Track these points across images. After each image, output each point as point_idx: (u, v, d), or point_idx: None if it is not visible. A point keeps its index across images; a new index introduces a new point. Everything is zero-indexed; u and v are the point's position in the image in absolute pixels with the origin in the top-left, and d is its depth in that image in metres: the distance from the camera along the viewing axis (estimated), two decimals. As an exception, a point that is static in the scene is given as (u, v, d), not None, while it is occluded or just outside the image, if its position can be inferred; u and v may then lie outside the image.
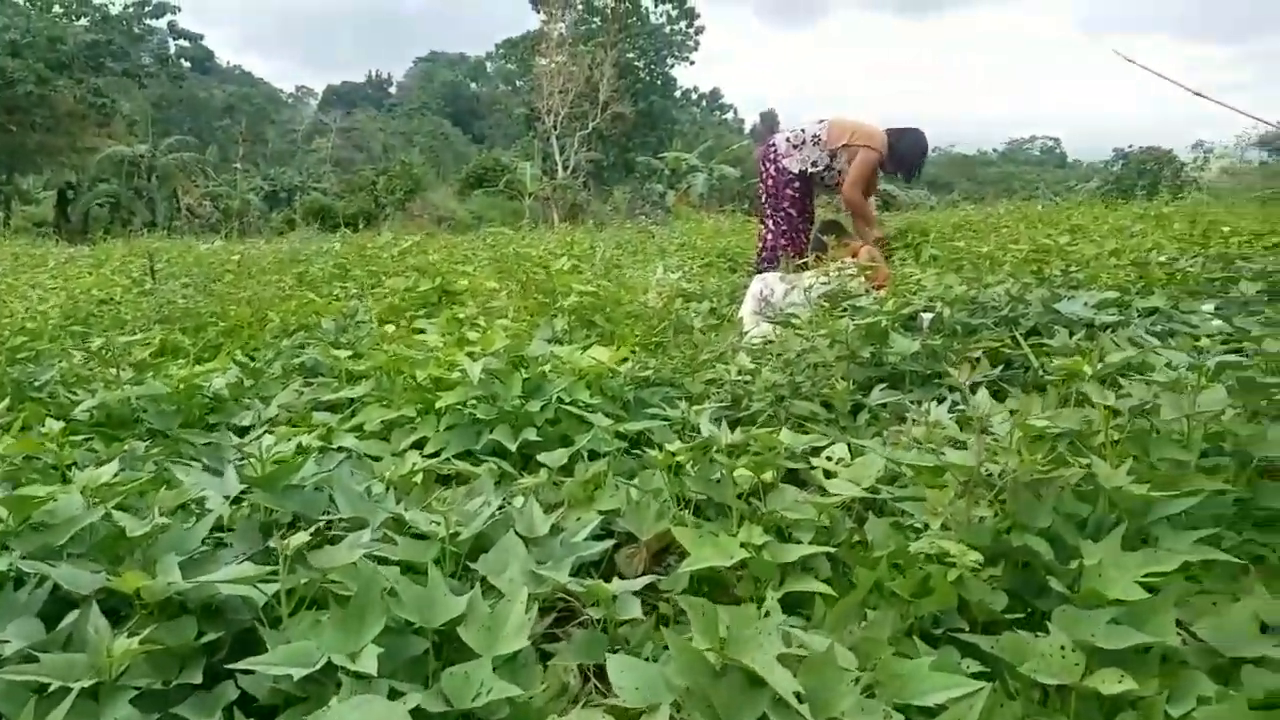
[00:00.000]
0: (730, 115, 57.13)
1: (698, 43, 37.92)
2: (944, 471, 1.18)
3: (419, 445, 1.78)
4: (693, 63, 35.71)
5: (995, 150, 69.29)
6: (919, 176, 5.01)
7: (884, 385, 1.85)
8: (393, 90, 64.68)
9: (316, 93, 66.02)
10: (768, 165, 4.86)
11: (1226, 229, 4.56)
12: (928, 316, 2.18)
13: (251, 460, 1.47)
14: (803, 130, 4.69)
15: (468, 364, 1.76)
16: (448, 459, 1.65)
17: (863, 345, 1.99)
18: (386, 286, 3.75)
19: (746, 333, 3.31)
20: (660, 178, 33.29)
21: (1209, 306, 2.17)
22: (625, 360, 1.85)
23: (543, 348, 2.37)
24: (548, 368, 1.84)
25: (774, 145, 4.84)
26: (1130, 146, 32.27)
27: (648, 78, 34.89)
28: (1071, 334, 2.26)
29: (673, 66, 35.79)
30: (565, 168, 30.77)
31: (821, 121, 4.69)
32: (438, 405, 1.74)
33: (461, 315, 2.70)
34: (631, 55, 34.72)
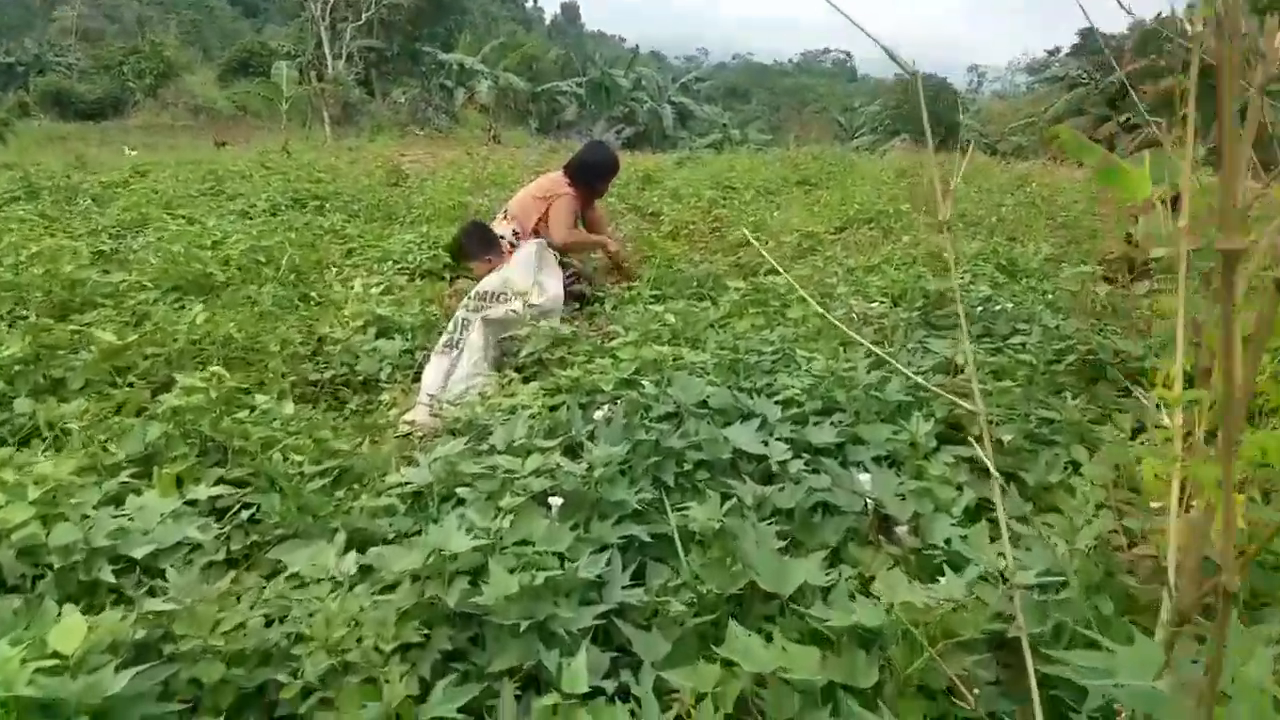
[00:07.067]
0: (530, 3, 54.14)
1: (489, -76, 35.05)
2: None
3: None
4: (484, -54, 33.04)
5: (791, 60, 71.13)
6: (606, 192, 5.09)
7: (459, 673, 1.49)
8: (152, -46, 55.50)
9: (60, -47, 55.44)
10: None
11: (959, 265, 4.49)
12: (556, 501, 1.84)
13: None
14: (502, 238, 4.34)
15: None
16: None
17: (451, 586, 1.62)
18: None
19: (415, 430, 2.86)
20: (449, 73, 31.07)
21: (865, 477, 1.99)
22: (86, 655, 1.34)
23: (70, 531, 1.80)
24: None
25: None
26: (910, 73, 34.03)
27: (432, -41, 31.99)
28: (728, 497, 2.02)
29: (461, -52, 33.05)
30: (340, 57, 27.86)
31: (506, 220, 4.47)
32: None
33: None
34: (414, -67, 31.53)
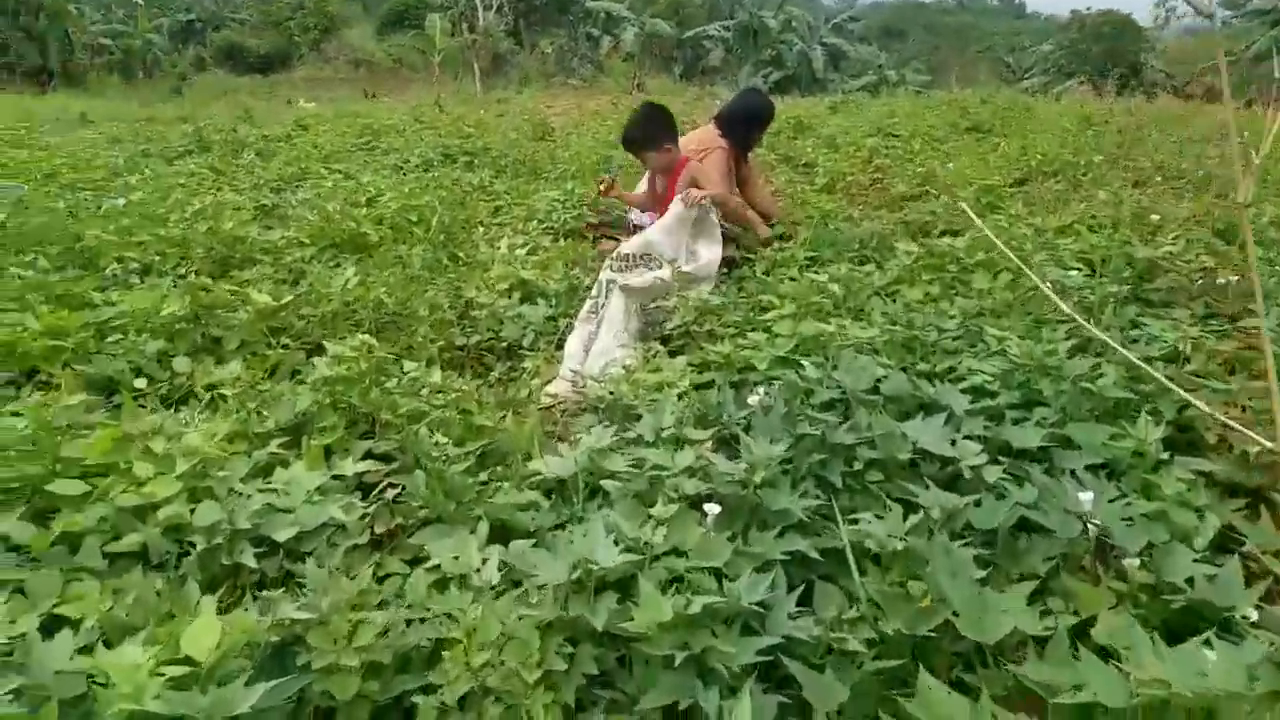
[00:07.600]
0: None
1: None
2: None
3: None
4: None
5: (953, -2, 66.35)
6: (760, 143, 4.82)
7: (606, 701, 1.32)
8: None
9: (232, -89, 59.01)
10: None
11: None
12: (713, 509, 1.63)
13: None
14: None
15: None
16: None
17: (598, 601, 1.43)
18: (130, 300, 2.98)
19: (557, 404, 2.71)
20: (596, 21, 30.87)
21: (1087, 496, 1.66)
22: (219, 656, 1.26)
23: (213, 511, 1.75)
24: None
25: None
26: (1089, 9, 30.78)
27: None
28: (910, 507, 1.74)
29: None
30: (490, 8, 28.20)
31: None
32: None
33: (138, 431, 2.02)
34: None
